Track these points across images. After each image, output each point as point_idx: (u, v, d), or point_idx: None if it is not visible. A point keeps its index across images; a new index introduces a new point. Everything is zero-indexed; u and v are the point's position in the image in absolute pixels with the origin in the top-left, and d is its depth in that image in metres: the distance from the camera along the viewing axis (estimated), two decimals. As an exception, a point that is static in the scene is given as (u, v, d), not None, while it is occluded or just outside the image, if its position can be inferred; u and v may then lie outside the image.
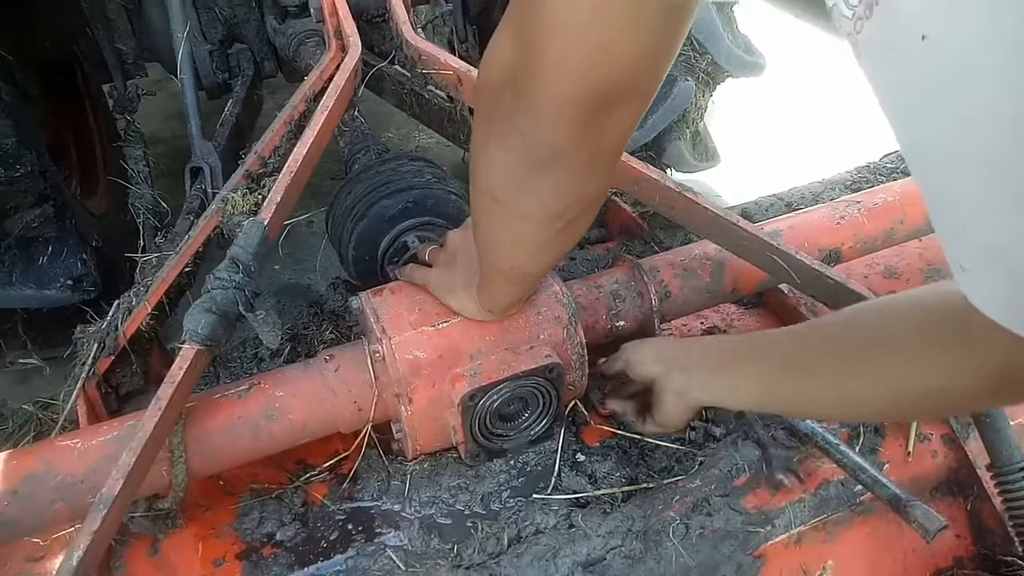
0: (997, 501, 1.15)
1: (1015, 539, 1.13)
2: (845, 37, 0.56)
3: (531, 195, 0.79)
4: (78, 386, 1.16)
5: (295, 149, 1.09)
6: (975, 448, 1.19)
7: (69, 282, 1.62)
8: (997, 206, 0.50)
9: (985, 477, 1.16)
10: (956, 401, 0.85)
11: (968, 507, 1.22)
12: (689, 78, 1.99)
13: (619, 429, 1.21)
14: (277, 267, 2.53)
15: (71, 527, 1.05)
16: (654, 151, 2.10)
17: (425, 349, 1.06)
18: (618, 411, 1.20)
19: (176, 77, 1.92)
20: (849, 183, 1.78)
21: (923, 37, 0.48)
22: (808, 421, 1.16)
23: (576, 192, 0.79)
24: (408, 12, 1.30)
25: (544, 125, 0.69)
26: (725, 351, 1.09)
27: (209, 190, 1.69)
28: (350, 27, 1.21)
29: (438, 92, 1.83)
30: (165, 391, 0.92)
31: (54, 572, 1.02)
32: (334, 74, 1.19)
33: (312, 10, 1.26)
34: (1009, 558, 1.16)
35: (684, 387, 1.07)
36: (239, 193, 1.09)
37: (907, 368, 0.80)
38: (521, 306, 1.10)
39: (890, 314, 0.87)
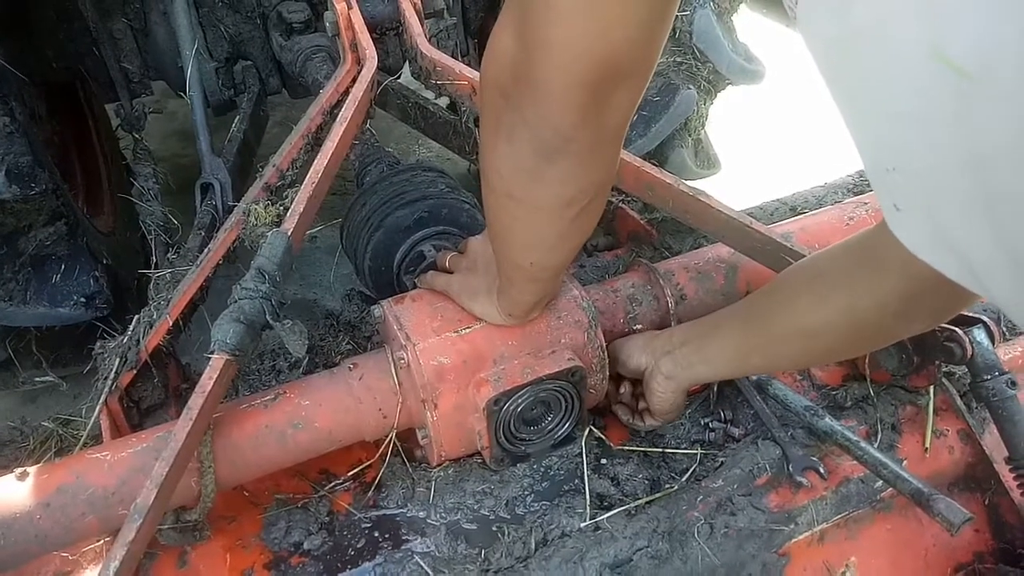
0: (1016, 494, 1.16)
1: (1034, 532, 1.15)
2: (790, 16, 0.60)
3: (543, 185, 0.82)
4: (101, 400, 1.16)
5: (315, 161, 1.11)
6: (991, 442, 1.20)
7: (82, 299, 1.63)
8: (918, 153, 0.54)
9: (1003, 471, 1.18)
10: (877, 318, 0.94)
11: (986, 502, 1.23)
12: (691, 86, 2.02)
13: (636, 440, 1.22)
14: (282, 282, 2.52)
15: (99, 541, 1.05)
16: (657, 159, 2.12)
17: (449, 355, 1.07)
18: (620, 416, 1.22)
19: (181, 95, 1.93)
20: (851, 186, 1.80)
21: None
22: (827, 419, 1.18)
23: (585, 178, 0.82)
24: (422, 24, 1.32)
25: (549, 111, 0.72)
26: (700, 327, 1.13)
27: (220, 206, 1.70)
28: (366, 40, 1.23)
29: (441, 105, 1.86)
30: (195, 401, 0.93)
31: (85, 585, 1.02)
32: (350, 87, 1.21)
33: (327, 24, 1.28)
34: (1029, 551, 1.17)
35: (671, 370, 1.11)
36: (261, 205, 1.10)
37: (845, 292, 0.93)
38: (542, 311, 1.12)
39: (822, 256, 1.03)
